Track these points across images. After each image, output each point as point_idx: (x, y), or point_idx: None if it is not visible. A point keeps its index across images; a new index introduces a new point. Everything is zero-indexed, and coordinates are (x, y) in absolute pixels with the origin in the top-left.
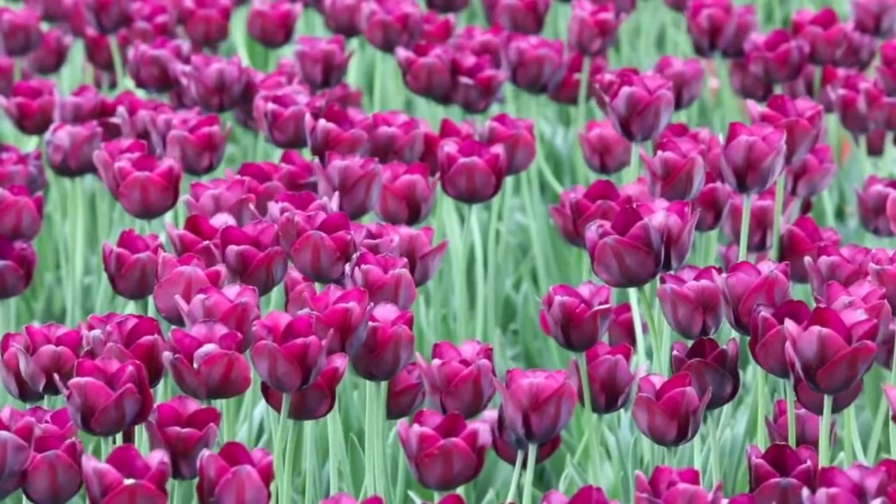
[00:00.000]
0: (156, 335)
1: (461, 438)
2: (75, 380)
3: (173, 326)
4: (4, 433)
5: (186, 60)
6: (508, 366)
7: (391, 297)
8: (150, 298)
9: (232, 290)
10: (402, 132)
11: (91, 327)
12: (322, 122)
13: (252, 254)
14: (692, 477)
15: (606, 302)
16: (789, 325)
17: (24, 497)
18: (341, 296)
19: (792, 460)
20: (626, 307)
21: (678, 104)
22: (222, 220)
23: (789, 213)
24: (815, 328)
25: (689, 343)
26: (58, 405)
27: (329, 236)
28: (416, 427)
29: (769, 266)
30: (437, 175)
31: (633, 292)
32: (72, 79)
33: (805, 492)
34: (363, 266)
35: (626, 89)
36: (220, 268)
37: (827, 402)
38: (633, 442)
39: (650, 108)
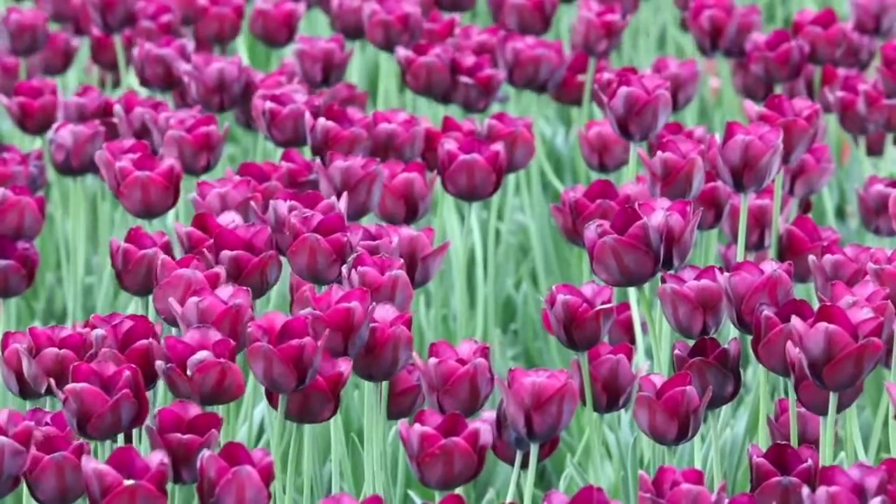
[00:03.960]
0: (150, 339)
1: (462, 438)
2: (71, 385)
3: (173, 328)
4: (2, 438)
5: (190, 59)
6: (508, 366)
7: (388, 299)
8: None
9: (226, 292)
10: (402, 129)
11: (93, 327)
12: (322, 120)
13: (245, 258)
14: (695, 477)
15: (609, 301)
16: (796, 321)
17: (24, 497)
18: (343, 296)
19: (793, 459)
20: (625, 306)
21: (675, 105)
22: (229, 218)
23: (787, 212)
24: (822, 324)
25: (690, 342)
26: (59, 406)
27: (325, 238)
28: (417, 426)
29: (772, 265)
30: (435, 173)
31: (632, 292)
32: (76, 79)
33: (805, 490)
34: (360, 268)
35: (623, 89)
36: (220, 270)
37: (832, 399)
38: (634, 441)
39: (648, 107)
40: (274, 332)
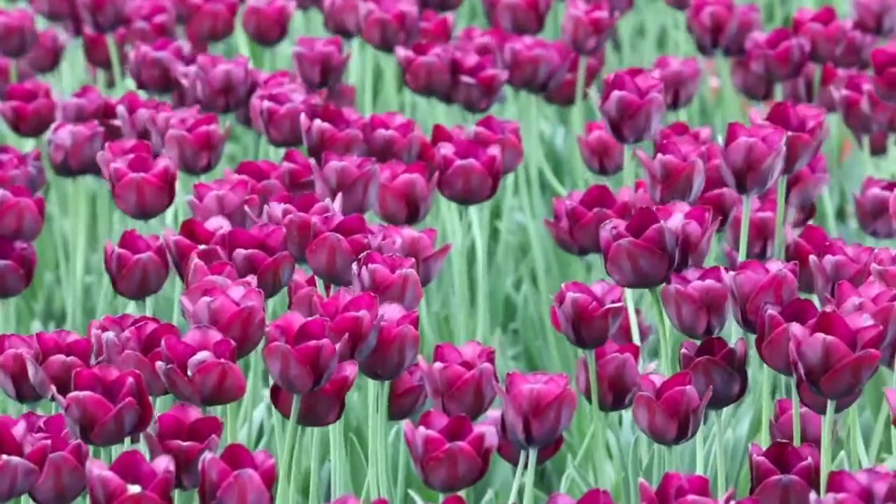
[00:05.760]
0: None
1: (467, 442)
2: (74, 394)
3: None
4: (15, 459)
5: (188, 61)
6: (508, 366)
7: (398, 297)
8: (150, 299)
9: (237, 292)
10: (399, 135)
11: (104, 329)
12: (317, 121)
13: (260, 258)
14: (701, 484)
15: (618, 300)
16: (795, 328)
17: (22, 497)
18: (351, 302)
19: (793, 458)
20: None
21: (676, 103)
22: (217, 223)
23: (790, 219)
24: (820, 335)
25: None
26: (57, 407)
27: (345, 238)
28: (421, 429)
29: (777, 265)
30: (437, 174)
31: (629, 293)
32: (73, 78)
33: (812, 496)
34: (370, 266)
35: (616, 93)
36: (251, 279)
37: (830, 406)
38: (634, 442)
39: (641, 111)
40: (292, 332)
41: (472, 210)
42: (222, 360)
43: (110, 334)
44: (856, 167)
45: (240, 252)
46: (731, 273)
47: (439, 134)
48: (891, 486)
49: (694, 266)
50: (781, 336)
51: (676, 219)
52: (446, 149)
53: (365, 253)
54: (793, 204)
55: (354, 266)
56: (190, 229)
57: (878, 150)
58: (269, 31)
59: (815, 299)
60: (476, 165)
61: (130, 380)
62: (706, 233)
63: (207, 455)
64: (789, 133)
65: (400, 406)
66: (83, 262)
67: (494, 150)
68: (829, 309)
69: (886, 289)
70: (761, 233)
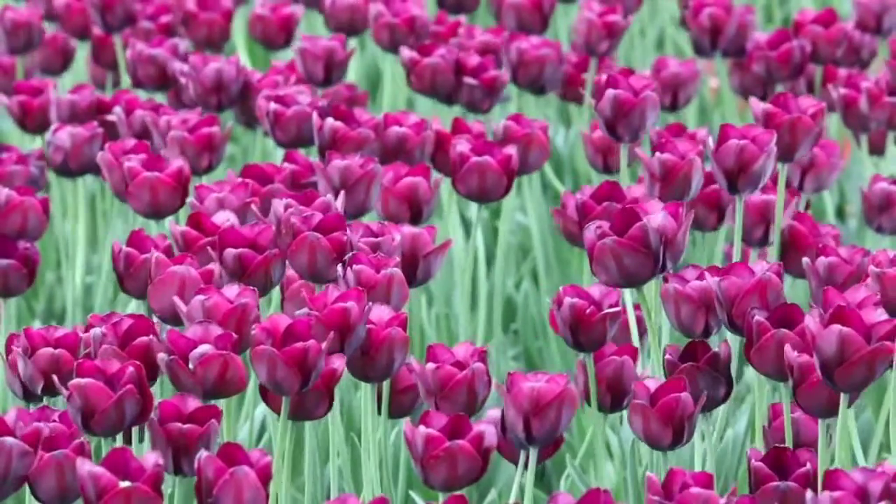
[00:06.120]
0: (151, 336)
1: (467, 441)
2: (75, 381)
3: (168, 326)
4: (10, 439)
5: (184, 59)
6: (509, 365)
7: (384, 298)
8: None
9: (231, 291)
10: (413, 133)
11: (92, 326)
12: (329, 120)
13: (250, 256)
14: (705, 480)
15: (616, 304)
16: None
17: (26, 497)
18: (340, 296)
19: (792, 463)
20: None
21: (674, 105)
22: (224, 217)
23: (791, 209)
24: (836, 327)
25: (680, 347)
26: (58, 406)
27: (325, 237)
28: (421, 428)
29: (762, 267)
30: (441, 176)
31: (627, 293)
32: (74, 79)
33: (808, 494)
34: (355, 266)
35: (610, 92)
36: (214, 266)
37: (843, 399)
38: (633, 442)
39: (636, 110)
40: (278, 334)
41: (473, 209)
42: (224, 352)
43: (97, 330)
44: (855, 167)
45: (230, 251)
46: (716, 278)
47: (458, 127)
48: (886, 484)
49: (671, 261)
50: (770, 342)
51: (659, 216)
52: (462, 146)
53: (350, 253)
54: (807, 190)
55: (339, 267)
56: (197, 222)
57: (877, 150)
58: (275, 37)
59: (806, 289)
60: (492, 163)
61: (131, 369)
62: (681, 227)
63: (203, 453)
64: (790, 116)
65: (400, 404)
66: (83, 262)
67: (510, 150)
68: (815, 315)
69: (871, 294)
70: (764, 217)
